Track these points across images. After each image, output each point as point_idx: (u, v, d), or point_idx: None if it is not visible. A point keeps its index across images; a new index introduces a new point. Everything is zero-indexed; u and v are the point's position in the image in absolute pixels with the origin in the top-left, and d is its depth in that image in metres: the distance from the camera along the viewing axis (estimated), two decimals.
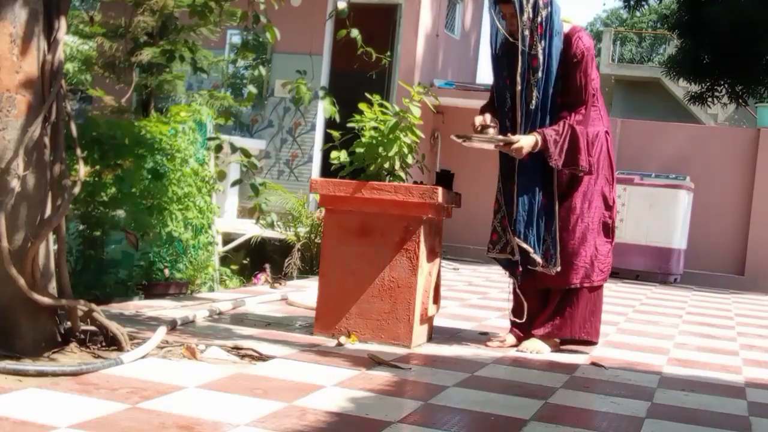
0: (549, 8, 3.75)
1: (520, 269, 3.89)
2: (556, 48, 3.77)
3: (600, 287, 3.95)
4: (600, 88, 3.97)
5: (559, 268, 3.80)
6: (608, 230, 3.92)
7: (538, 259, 3.79)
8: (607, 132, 3.92)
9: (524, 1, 3.71)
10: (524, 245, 3.78)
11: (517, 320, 3.94)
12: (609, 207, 3.92)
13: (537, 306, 3.93)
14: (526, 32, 3.72)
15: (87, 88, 10.38)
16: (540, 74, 3.74)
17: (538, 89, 3.75)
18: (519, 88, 3.73)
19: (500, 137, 3.73)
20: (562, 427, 2.62)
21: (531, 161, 3.78)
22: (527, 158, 3.76)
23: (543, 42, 3.73)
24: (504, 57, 3.86)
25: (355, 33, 4.33)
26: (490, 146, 3.81)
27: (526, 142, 3.71)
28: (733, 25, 10.95)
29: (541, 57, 3.73)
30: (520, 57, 3.73)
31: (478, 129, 3.79)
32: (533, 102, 3.75)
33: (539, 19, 3.72)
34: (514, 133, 3.77)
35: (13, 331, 2.90)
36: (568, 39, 3.81)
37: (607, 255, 3.92)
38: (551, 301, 3.91)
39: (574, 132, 3.74)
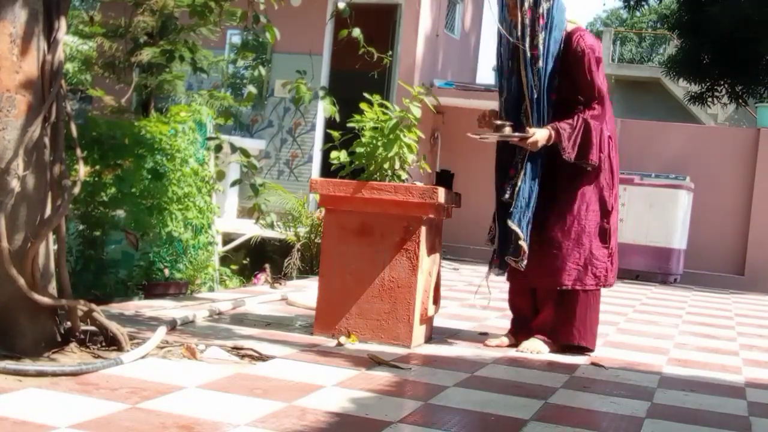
0: (550, 2, 3.77)
1: (497, 260, 3.89)
2: (555, 41, 3.78)
3: (594, 292, 3.88)
4: (607, 92, 3.96)
5: (525, 263, 3.76)
6: (605, 235, 3.87)
7: (525, 246, 3.74)
8: (610, 137, 3.91)
9: None
10: (515, 228, 3.74)
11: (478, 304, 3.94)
12: (607, 212, 3.87)
13: (529, 305, 3.92)
14: (527, 21, 3.75)
15: (87, 88, 10.37)
16: (541, 64, 3.76)
17: (539, 80, 3.76)
18: (525, 79, 3.75)
19: (516, 134, 3.74)
20: (562, 427, 2.62)
21: (539, 156, 3.79)
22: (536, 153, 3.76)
23: (543, 33, 3.75)
24: (505, 49, 3.86)
25: (357, 32, 4.33)
26: (507, 140, 3.81)
27: (540, 135, 3.73)
28: (733, 25, 10.96)
29: (541, 47, 3.75)
30: (521, 48, 3.74)
31: (495, 127, 3.78)
32: (536, 92, 3.76)
33: (540, 10, 3.75)
34: (517, 123, 3.77)
35: (13, 331, 2.90)
36: (569, 37, 3.82)
37: (605, 260, 3.85)
38: (545, 305, 3.87)
39: (587, 126, 3.76)
